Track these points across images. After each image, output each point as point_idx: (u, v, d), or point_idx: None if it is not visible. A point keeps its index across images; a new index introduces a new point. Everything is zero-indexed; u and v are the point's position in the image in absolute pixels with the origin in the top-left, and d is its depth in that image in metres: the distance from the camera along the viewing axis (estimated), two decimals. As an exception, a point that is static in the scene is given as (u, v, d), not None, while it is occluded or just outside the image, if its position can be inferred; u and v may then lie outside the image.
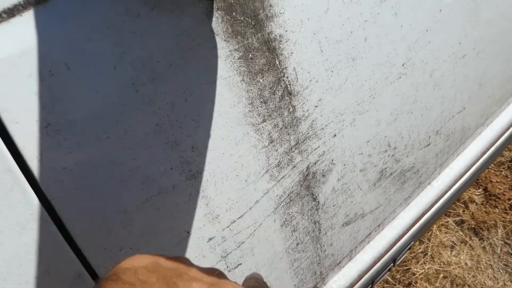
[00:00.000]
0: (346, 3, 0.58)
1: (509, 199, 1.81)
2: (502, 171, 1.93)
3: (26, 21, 0.38)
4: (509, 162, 1.97)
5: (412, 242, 0.94)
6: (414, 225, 0.89)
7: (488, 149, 1.07)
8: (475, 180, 1.19)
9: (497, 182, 1.88)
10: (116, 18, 0.42)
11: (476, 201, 1.80)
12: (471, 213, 1.75)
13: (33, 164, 0.40)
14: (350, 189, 0.68)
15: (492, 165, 1.95)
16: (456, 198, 1.10)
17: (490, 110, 0.99)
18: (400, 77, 0.68)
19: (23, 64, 0.38)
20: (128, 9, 0.42)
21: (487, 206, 1.79)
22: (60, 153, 0.41)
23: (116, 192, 0.45)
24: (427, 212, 0.92)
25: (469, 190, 1.83)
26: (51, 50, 0.39)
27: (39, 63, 0.39)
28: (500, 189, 1.85)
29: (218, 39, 0.48)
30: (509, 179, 1.90)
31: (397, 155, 0.75)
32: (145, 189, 0.47)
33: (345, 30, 0.58)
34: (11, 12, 0.38)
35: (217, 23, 0.48)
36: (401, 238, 0.87)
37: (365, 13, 0.60)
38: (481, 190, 1.85)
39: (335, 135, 0.62)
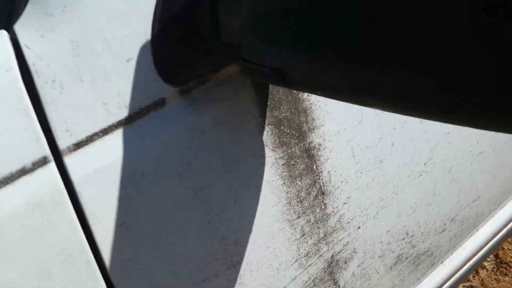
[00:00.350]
0: (378, 114, 0.65)
1: None
2: None
3: (115, 138, 0.46)
4: None
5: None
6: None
7: (500, 230, 1.12)
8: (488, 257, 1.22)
9: (508, 249, 1.90)
10: (185, 134, 0.49)
11: (487, 267, 1.82)
12: (481, 279, 1.77)
13: (106, 256, 0.47)
14: (368, 274, 0.74)
15: None
16: (468, 275, 1.14)
17: (503, 197, 1.05)
18: (421, 175, 0.75)
19: (110, 174, 0.46)
20: (196, 127, 0.50)
21: (498, 273, 1.81)
22: (129, 247, 0.48)
23: (168, 280, 0.52)
24: (438, 290, 0.97)
25: None
26: (132, 162, 0.47)
27: (122, 173, 0.46)
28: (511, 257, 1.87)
29: (266, 149, 0.56)
30: None
31: (414, 242, 0.80)
32: (192, 277, 0.53)
33: (375, 137, 0.66)
34: (105, 131, 0.46)
35: (267, 136, 0.55)
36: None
37: (394, 122, 0.67)
38: (492, 256, 1.87)
39: (359, 227, 0.69)
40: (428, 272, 0.93)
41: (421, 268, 0.88)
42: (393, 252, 0.77)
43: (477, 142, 0.84)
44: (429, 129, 0.73)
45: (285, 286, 0.63)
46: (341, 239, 0.67)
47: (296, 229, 0.61)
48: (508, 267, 1.83)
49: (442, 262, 0.98)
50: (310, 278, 0.66)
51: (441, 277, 0.97)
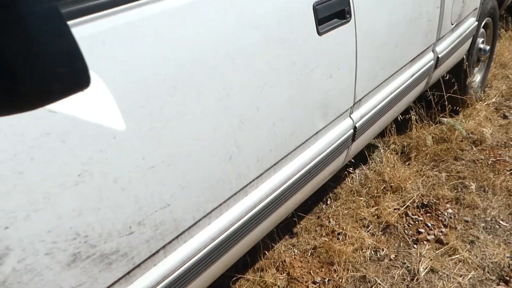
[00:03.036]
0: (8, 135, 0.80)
1: (306, 281, 2.07)
2: (306, 257, 2.20)
3: None
4: (313, 249, 2.24)
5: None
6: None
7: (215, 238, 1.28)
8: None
9: (299, 267, 2.14)
10: None
11: (279, 284, 2.05)
12: None
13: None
14: (36, 269, 0.88)
15: (298, 252, 2.23)
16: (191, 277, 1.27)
17: (207, 206, 1.22)
18: (78, 184, 0.90)
19: None
20: None
21: None
22: None
23: None
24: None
25: (274, 274, 2.10)
26: None
27: None
28: (300, 273, 2.10)
29: None
30: (309, 264, 2.16)
31: (92, 242, 0.95)
32: None
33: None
34: None
35: None
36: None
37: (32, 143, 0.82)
38: (285, 274, 2.12)
39: (7, 228, 0.83)
40: (135, 272, 1.08)
41: (118, 267, 1.02)
42: (64, 250, 0.91)
43: (143, 158, 1.01)
44: (75, 147, 0.89)
45: None
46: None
47: None
48: (297, 282, 2.07)
49: (155, 265, 1.14)
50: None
51: (155, 278, 1.14)
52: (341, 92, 1.64)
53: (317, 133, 1.60)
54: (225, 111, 1.18)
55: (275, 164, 1.44)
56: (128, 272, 1.08)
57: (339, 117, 1.70)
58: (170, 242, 1.16)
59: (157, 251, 1.13)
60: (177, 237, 1.17)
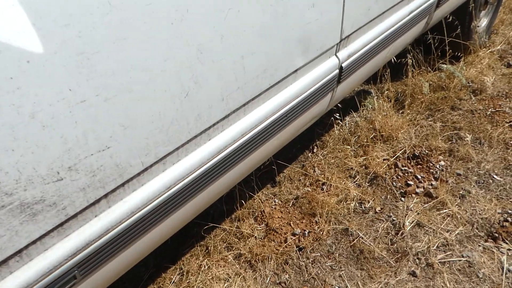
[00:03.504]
0: None
1: (285, 233, 1.93)
2: (287, 208, 2.06)
3: None
4: (295, 200, 2.09)
5: (76, 271, 0.99)
6: (74, 256, 0.96)
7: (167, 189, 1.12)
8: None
9: (279, 217, 2.00)
10: None
11: (256, 235, 1.93)
12: (249, 247, 1.88)
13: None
14: None
15: (279, 202, 2.09)
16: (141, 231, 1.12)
17: (159, 150, 1.05)
18: None
19: None
20: None
21: (265, 240, 1.91)
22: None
23: None
24: (91, 245, 0.99)
25: (252, 224, 1.96)
26: None
27: None
28: (279, 224, 1.97)
29: None
30: (290, 215, 2.01)
31: (6, 189, 0.80)
32: None
33: None
34: None
35: None
36: (57, 269, 0.94)
37: None
38: (263, 225, 1.98)
39: None
40: (70, 224, 0.94)
41: (45, 219, 0.88)
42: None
43: (70, 90, 0.83)
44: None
45: None
46: None
47: None
48: (275, 233, 1.94)
49: (96, 216, 0.99)
50: None
51: (95, 231, 0.99)
52: (326, 25, 1.43)
53: (296, 71, 1.41)
54: (179, 38, 0.99)
55: (244, 105, 1.26)
56: (61, 224, 0.93)
57: (322, 55, 1.50)
58: (113, 190, 1.00)
59: (98, 201, 0.98)
60: (122, 184, 1.02)
